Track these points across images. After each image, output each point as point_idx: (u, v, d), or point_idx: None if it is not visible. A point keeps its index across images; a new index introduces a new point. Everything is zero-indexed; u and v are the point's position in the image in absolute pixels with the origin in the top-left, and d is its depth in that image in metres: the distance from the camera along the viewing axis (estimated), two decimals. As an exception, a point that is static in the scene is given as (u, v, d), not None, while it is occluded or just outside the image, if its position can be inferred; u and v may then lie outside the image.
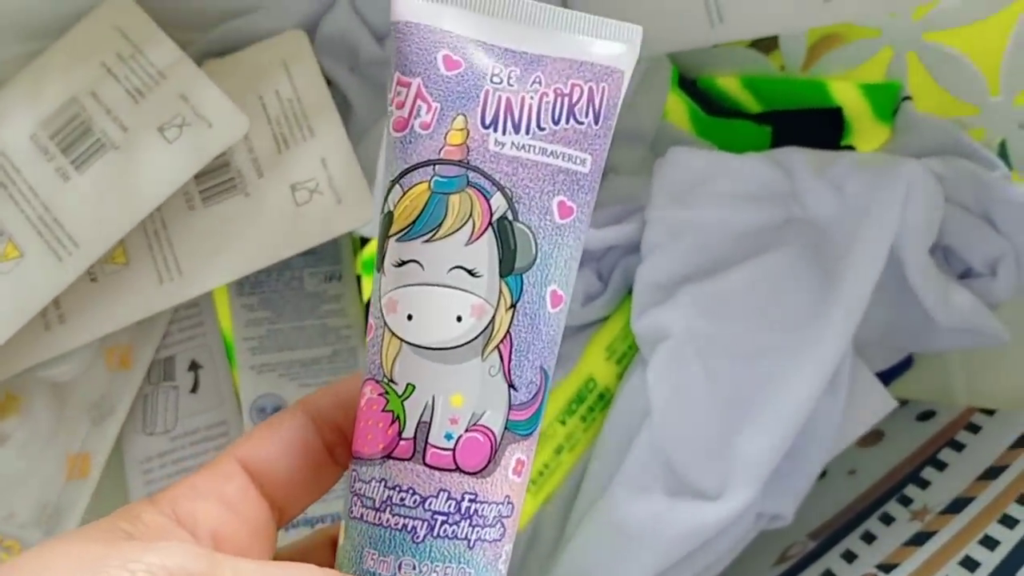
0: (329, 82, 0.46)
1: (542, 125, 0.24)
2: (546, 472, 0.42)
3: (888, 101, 0.46)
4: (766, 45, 0.49)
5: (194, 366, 0.43)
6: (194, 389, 0.43)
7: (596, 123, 0.24)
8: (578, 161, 0.24)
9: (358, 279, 0.44)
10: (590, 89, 0.24)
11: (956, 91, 0.43)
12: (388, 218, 0.24)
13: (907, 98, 0.45)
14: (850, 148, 0.47)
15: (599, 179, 0.25)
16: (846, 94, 0.46)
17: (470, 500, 0.23)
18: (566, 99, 0.24)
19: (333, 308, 0.43)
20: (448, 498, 0.23)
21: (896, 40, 0.45)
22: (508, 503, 0.24)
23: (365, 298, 0.42)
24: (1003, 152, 0.43)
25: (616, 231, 0.42)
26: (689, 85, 0.49)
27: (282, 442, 0.24)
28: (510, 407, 0.23)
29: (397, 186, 0.24)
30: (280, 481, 0.24)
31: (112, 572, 0.19)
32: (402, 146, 0.24)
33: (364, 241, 0.42)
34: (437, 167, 0.24)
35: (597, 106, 0.24)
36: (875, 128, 0.46)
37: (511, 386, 0.23)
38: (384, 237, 0.24)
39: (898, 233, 0.39)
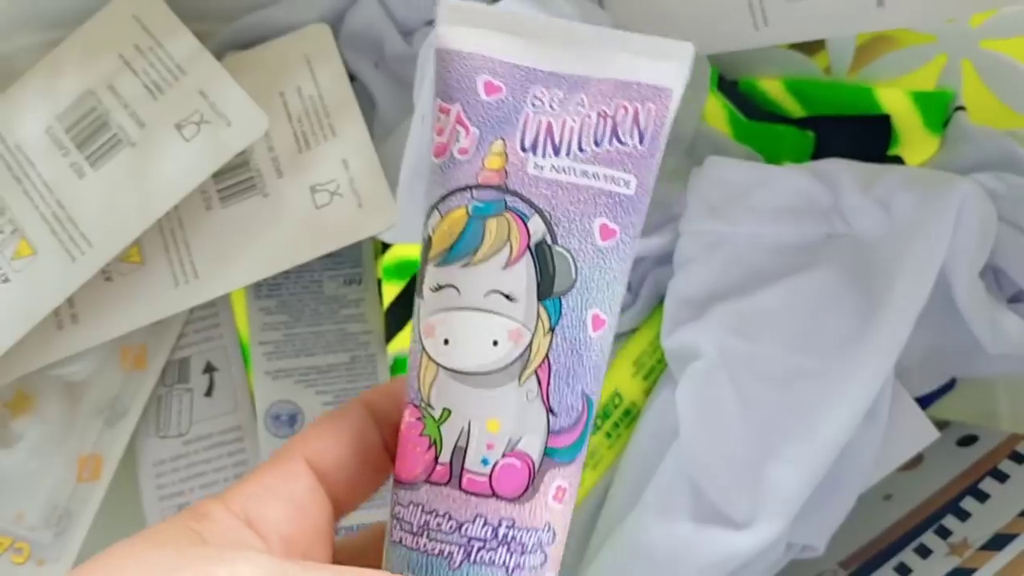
0: (353, 78, 0.44)
1: (583, 147, 0.24)
2: (568, 490, 0.40)
3: (940, 110, 0.44)
4: (811, 46, 0.46)
5: (209, 368, 0.42)
6: (209, 392, 0.42)
7: (641, 143, 0.24)
8: (621, 183, 0.24)
9: (379, 283, 0.43)
10: (635, 109, 0.24)
11: (1013, 103, 0.41)
12: (427, 243, 0.24)
13: (960, 108, 0.43)
14: (897, 159, 0.45)
15: (647, 200, 0.24)
16: (895, 102, 0.44)
17: (507, 527, 0.23)
18: (610, 120, 0.24)
19: (353, 313, 0.42)
20: (485, 524, 0.23)
21: (951, 47, 0.42)
22: (549, 530, 0.23)
23: (386, 303, 0.41)
24: (1061, 169, 0.41)
25: (647, 243, 0.40)
26: (729, 87, 0.47)
27: (346, 440, 0.24)
28: (549, 433, 0.23)
29: (436, 211, 0.24)
30: (343, 479, 0.24)
31: None
32: (441, 172, 0.24)
33: (386, 246, 0.41)
34: (475, 191, 0.24)
35: (643, 126, 0.24)
36: (925, 139, 0.44)
37: (550, 411, 0.23)
38: (424, 262, 0.24)
39: (948, 255, 0.36)
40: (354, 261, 0.43)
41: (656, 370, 0.42)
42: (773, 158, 0.46)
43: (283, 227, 0.40)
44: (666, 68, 0.24)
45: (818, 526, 0.38)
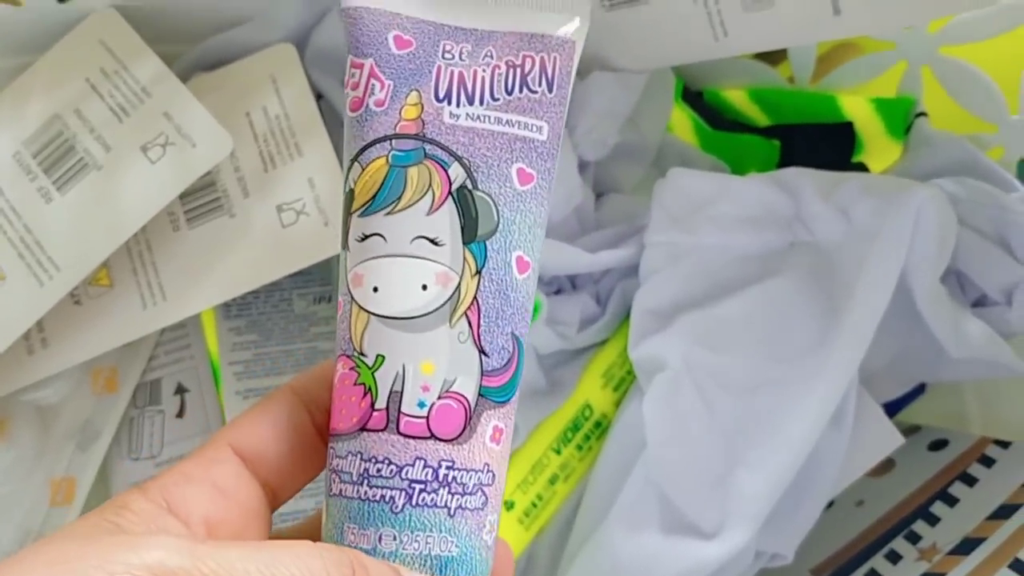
0: (320, 96, 0.44)
1: (496, 96, 0.24)
2: (540, 503, 0.41)
3: (901, 117, 0.44)
4: (774, 56, 0.47)
5: (180, 390, 0.42)
6: (180, 414, 0.42)
7: (550, 91, 0.25)
8: (534, 128, 0.24)
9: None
10: (542, 59, 0.25)
11: (973, 108, 0.41)
12: (349, 196, 0.24)
13: (921, 114, 0.43)
14: (861, 165, 0.45)
15: (558, 146, 0.25)
16: (857, 109, 0.44)
17: (447, 467, 0.23)
18: (518, 70, 0.25)
19: (323, 331, 0.42)
20: (425, 466, 0.23)
21: (911, 53, 0.43)
22: (488, 471, 0.23)
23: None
24: (1021, 172, 0.41)
25: (613, 255, 0.40)
26: (694, 98, 0.47)
27: (272, 424, 0.24)
28: (483, 373, 0.23)
29: (356, 163, 0.24)
30: (271, 463, 0.24)
31: (90, 574, 0.18)
32: (359, 125, 0.24)
33: (353, 263, 0.41)
34: (394, 142, 0.24)
35: (550, 75, 0.25)
36: (887, 145, 0.44)
37: (482, 352, 0.23)
38: (347, 215, 0.24)
39: (908, 261, 0.37)
40: (323, 279, 0.43)
41: (626, 381, 0.42)
42: (739, 167, 0.46)
43: (250, 247, 0.40)
44: (567, 20, 0.25)
45: (786, 534, 0.38)
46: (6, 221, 0.39)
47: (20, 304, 0.38)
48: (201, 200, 0.41)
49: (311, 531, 0.25)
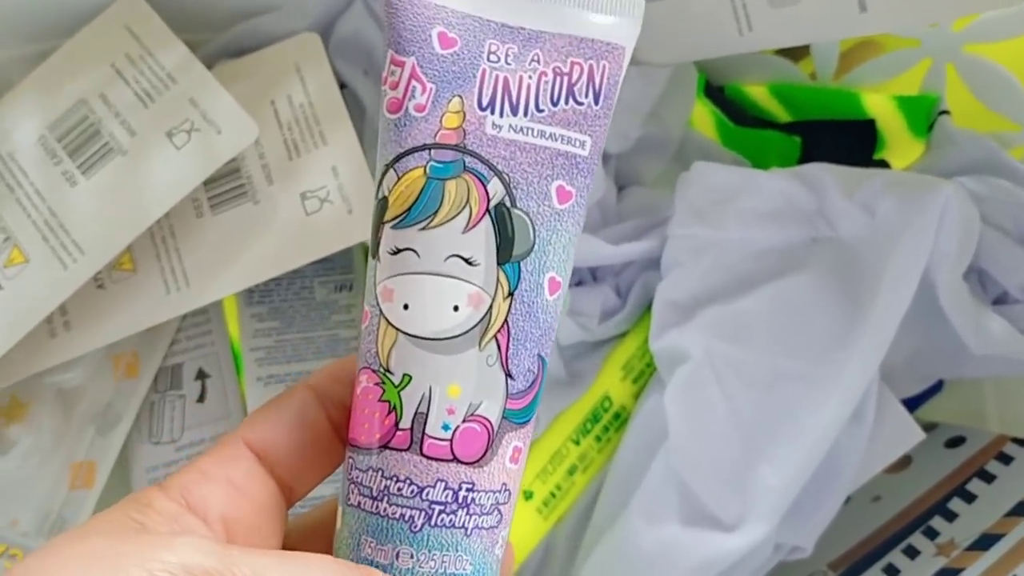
0: (343, 85, 0.45)
1: (540, 107, 0.23)
2: (559, 493, 0.41)
3: (924, 115, 0.44)
4: (796, 52, 0.47)
5: (201, 375, 0.42)
6: (201, 399, 0.42)
7: (596, 103, 0.24)
8: (577, 144, 0.23)
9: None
10: (590, 68, 0.23)
11: (997, 107, 0.41)
12: (383, 204, 0.23)
13: (944, 112, 0.43)
14: (883, 163, 0.45)
15: (598, 161, 0.24)
16: (880, 106, 0.44)
17: (467, 489, 0.23)
18: (565, 79, 0.23)
19: (344, 319, 0.42)
20: (445, 488, 0.23)
21: (935, 51, 0.43)
22: (505, 490, 0.23)
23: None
24: (1045, 172, 0.41)
25: (635, 247, 0.40)
26: (716, 93, 0.47)
27: (287, 421, 0.24)
28: (507, 396, 0.23)
29: (391, 171, 0.23)
30: (287, 461, 0.24)
31: (132, 572, 0.19)
32: (396, 129, 0.23)
33: (375, 251, 0.41)
34: (433, 152, 0.23)
35: (597, 85, 0.24)
36: (910, 143, 0.44)
37: (508, 375, 0.23)
38: (379, 223, 0.23)
39: (931, 258, 0.37)
40: (345, 267, 0.43)
41: (645, 374, 0.42)
42: (760, 163, 0.46)
43: (274, 234, 0.40)
44: (618, 24, 0.24)
45: (806, 527, 0.38)
46: (31, 204, 0.39)
47: (43, 287, 0.38)
48: (225, 187, 0.41)
49: (325, 520, 0.26)
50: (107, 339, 0.39)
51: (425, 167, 0.23)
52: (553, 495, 0.40)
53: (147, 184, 0.39)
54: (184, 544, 0.19)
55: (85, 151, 0.39)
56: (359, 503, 0.23)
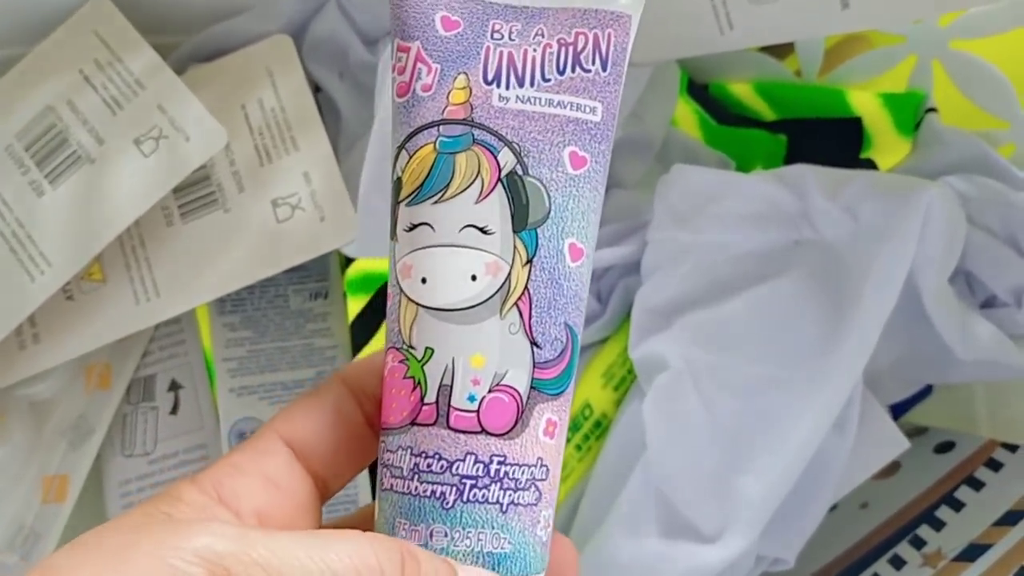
0: (318, 89, 0.44)
1: (547, 76, 0.24)
2: (537, 503, 0.40)
3: (910, 112, 0.43)
4: (781, 49, 0.46)
5: (174, 386, 0.41)
6: (174, 410, 0.41)
7: (604, 70, 0.24)
8: (587, 110, 0.24)
9: (345, 297, 0.42)
10: (595, 36, 0.24)
11: (984, 103, 0.40)
12: (397, 184, 0.24)
13: (931, 110, 0.42)
14: (870, 162, 0.44)
15: (613, 127, 0.24)
16: (866, 104, 0.43)
17: (499, 463, 0.23)
18: (571, 48, 0.24)
19: (319, 327, 0.42)
20: (476, 461, 0.23)
21: (921, 48, 0.42)
22: (542, 465, 0.23)
23: (351, 317, 0.40)
24: (1034, 170, 0.40)
25: (615, 252, 0.40)
26: (699, 92, 0.46)
27: (322, 415, 0.24)
28: (535, 365, 0.23)
29: (403, 151, 0.24)
30: (322, 455, 0.24)
31: (140, 561, 0.18)
32: (405, 111, 0.24)
33: (349, 260, 0.40)
34: (441, 127, 0.23)
35: (604, 52, 0.24)
36: (896, 141, 0.43)
37: (534, 343, 0.23)
38: (395, 204, 0.24)
39: (915, 261, 0.36)
40: (320, 275, 0.43)
41: (627, 381, 0.42)
42: (745, 162, 0.45)
43: (245, 242, 0.39)
44: None
45: (788, 539, 0.37)
46: (-2, 215, 0.39)
47: (11, 299, 0.37)
48: (195, 194, 0.40)
49: (362, 524, 0.25)
50: (77, 351, 0.39)
51: (435, 143, 0.23)
52: (532, 505, 0.40)
53: (115, 193, 0.38)
54: (200, 530, 0.19)
55: (52, 160, 0.39)
56: (391, 485, 0.23)
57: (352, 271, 0.40)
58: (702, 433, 0.36)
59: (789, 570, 0.40)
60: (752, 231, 0.38)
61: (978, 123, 0.41)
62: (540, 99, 0.23)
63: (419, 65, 0.24)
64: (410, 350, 0.23)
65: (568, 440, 0.41)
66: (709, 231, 0.38)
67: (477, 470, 0.22)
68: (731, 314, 0.37)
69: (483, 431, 0.22)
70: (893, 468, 0.44)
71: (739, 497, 0.36)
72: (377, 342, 0.40)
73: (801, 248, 0.39)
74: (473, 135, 0.23)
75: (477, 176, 0.23)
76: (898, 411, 0.42)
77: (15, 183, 0.39)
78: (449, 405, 0.23)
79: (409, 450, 0.23)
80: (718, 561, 0.36)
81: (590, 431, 0.41)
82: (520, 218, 0.23)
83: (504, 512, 0.22)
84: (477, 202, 0.23)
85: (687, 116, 0.46)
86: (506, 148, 0.23)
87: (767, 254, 0.38)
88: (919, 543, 0.39)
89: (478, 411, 0.23)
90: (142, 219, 0.39)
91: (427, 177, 0.23)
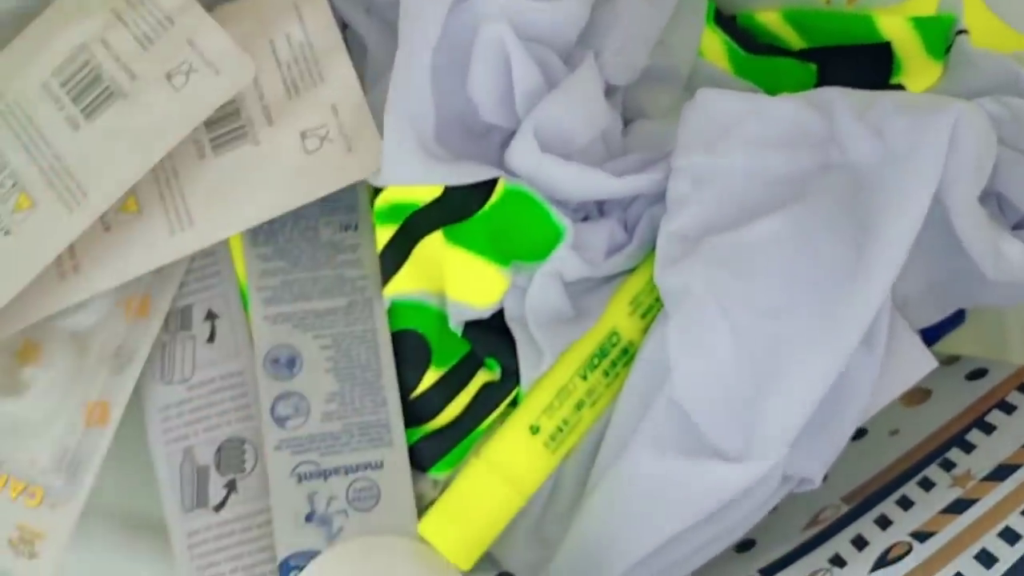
0: (345, 25, 0.44)
1: None
2: (566, 428, 0.40)
3: (941, 36, 0.42)
4: (810, -24, 0.45)
5: (211, 316, 0.42)
6: (211, 339, 0.42)
7: None
8: None
9: (374, 228, 0.43)
10: None
11: (1017, 24, 0.40)
12: None
13: (962, 32, 0.42)
14: (900, 87, 0.43)
15: None
16: (895, 28, 0.43)
17: None
18: None
19: (349, 258, 0.42)
20: None
21: (952, -33, 0.41)
22: None
23: (379, 247, 0.41)
24: (1068, 90, 0.40)
25: (640, 179, 0.40)
26: (727, 21, 0.46)
27: None
28: None
29: None
30: None
31: None
32: None
33: (378, 190, 0.41)
34: None
35: None
36: (927, 65, 0.43)
37: None
38: None
39: (944, 180, 0.35)
40: (349, 207, 0.43)
41: (654, 309, 0.42)
42: (774, 92, 0.44)
43: (274, 174, 0.40)
44: None
45: (815, 458, 0.37)
46: (36, 149, 0.40)
47: (50, 230, 0.39)
48: (226, 128, 0.41)
49: None
50: (115, 280, 0.40)
51: None
52: (560, 430, 0.40)
53: (148, 126, 0.39)
54: None
55: (87, 96, 0.40)
56: None
57: (380, 201, 0.40)
58: (726, 355, 0.37)
59: (818, 492, 0.40)
60: (779, 155, 0.38)
61: (1010, 44, 0.40)
62: None
63: None
64: None
65: (596, 366, 0.41)
66: (735, 155, 0.38)
67: None
68: (757, 238, 0.37)
69: None
70: (924, 395, 0.44)
71: (764, 418, 0.36)
72: (405, 272, 0.41)
73: (829, 172, 0.38)
74: None
75: None
76: (930, 338, 0.41)
77: (52, 118, 0.40)
78: None
79: None
80: (741, 480, 0.36)
81: (617, 358, 0.41)
82: None
83: None
84: None
85: (715, 46, 0.45)
86: None
87: (794, 178, 0.38)
88: (949, 465, 0.39)
89: None
90: (175, 152, 0.40)
91: None
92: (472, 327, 0.41)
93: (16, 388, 0.41)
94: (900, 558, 0.35)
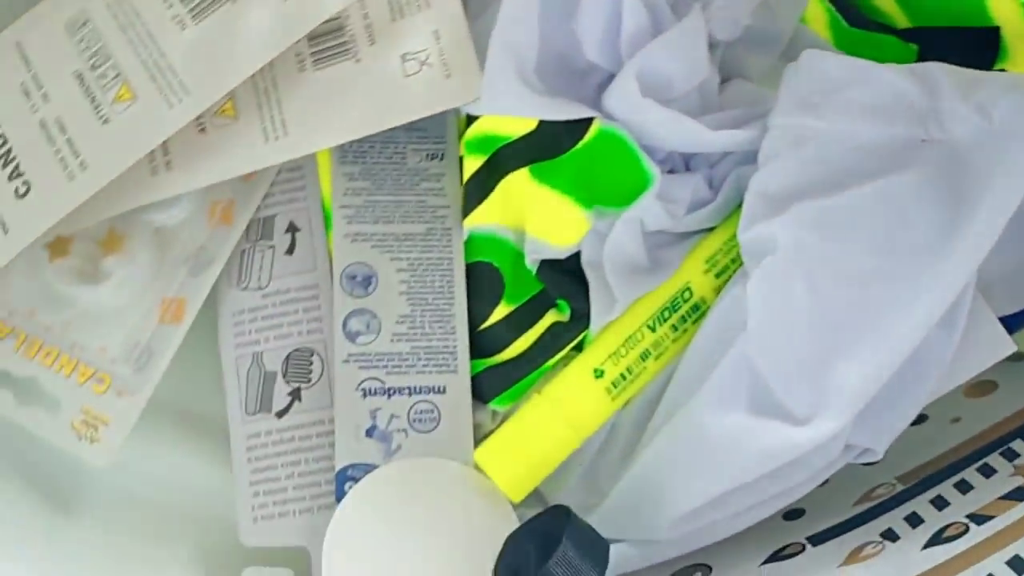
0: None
1: None
2: (629, 376, 0.41)
3: (1055, 24, 0.42)
4: (924, -47, 0.45)
5: (292, 228, 0.43)
6: (290, 251, 0.43)
7: None
8: None
9: (460, 161, 0.43)
10: None
11: None
12: None
13: (1077, 22, 0.41)
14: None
15: None
16: (1006, 12, 0.42)
17: None
18: None
19: (433, 187, 0.43)
20: None
21: (1074, -46, 0.40)
22: None
23: (465, 177, 0.41)
24: None
25: (736, 135, 0.39)
26: (833, -9, 0.45)
27: None
28: None
29: None
30: None
31: None
32: None
33: (470, 121, 0.41)
34: None
35: None
36: (1035, 53, 0.42)
37: None
38: None
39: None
40: (438, 137, 0.44)
41: (729, 269, 0.42)
42: (873, 67, 0.44)
43: (372, 93, 0.40)
44: None
45: (880, 430, 0.37)
46: (141, 44, 0.40)
47: (149, 123, 0.39)
48: (328, 43, 0.41)
49: None
50: (205, 181, 0.40)
51: None
52: (623, 377, 0.40)
53: (253, 34, 0.40)
54: None
55: (196, -3, 0.40)
56: None
57: (472, 132, 0.41)
58: (804, 316, 0.36)
59: (873, 469, 0.40)
60: (878, 123, 0.38)
61: None
62: None
63: None
64: None
65: (665, 319, 0.41)
66: (834, 119, 0.38)
67: None
68: (847, 204, 0.37)
69: None
70: (991, 387, 0.43)
71: (835, 382, 0.36)
72: (488, 205, 0.41)
73: (926, 147, 0.38)
74: None
75: None
76: (1006, 326, 0.41)
77: (160, 16, 0.40)
78: None
79: None
80: (805, 441, 0.36)
81: (687, 313, 0.41)
82: None
83: None
84: None
85: (818, 15, 0.45)
86: None
87: (891, 148, 0.38)
88: (1011, 455, 0.38)
89: None
90: (275, 62, 0.40)
91: None
92: (546, 267, 0.41)
93: (96, 276, 0.42)
94: (956, 537, 0.35)
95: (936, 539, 0.35)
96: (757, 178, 0.39)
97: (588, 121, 0.39)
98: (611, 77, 0.40)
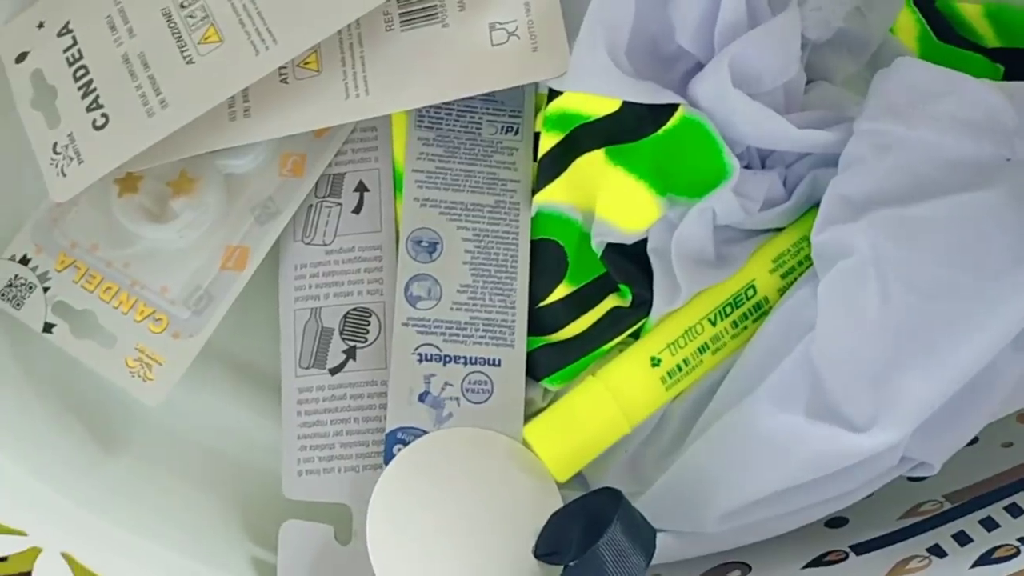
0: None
1: None
2: (685, 368, 0.40)
3: None
4: (1022, -27, 0.44)
5: (361, 187, 0.43)
6: (357, 210, 0.43)
7: None
8: None
9: (536, 137, 0.43)
10: None
11: None
12: None
13: None
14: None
15: None
16: (1103, 41, 0.42)
17: None
18: None
19: (505, 160, 0.43)
20: None
21: None
22: None
23: (540, 153, 0.41)
24: None
25: (820, 136, 0.39)
26: (926, 3, 0.45)
27: None
28: None
29: None
30: None
31: None
32: None
33: (551, 96, 0.41)
34: None
35: None
36: None
37: None
38: None
39: None
40: (515, 111, 0.43)
41: (795, 271, 0.42)
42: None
43: (457, 59, 0.40)
44: None
45: (939, 445, 0.37)
46: (232, -11, 0.40)
47: (233, 68, 0.39)
48: (418, 5, 0.41)
49: None
50: (281, 131, 0.40)
51: None
52: (679, 368, 0.40)
53: (344, -12, 0.40)
54: None
55: (291, -53, 0.40)
56: None
57: (553, 108, 0.40)
58: (874, 323, 0.36)
59: (921, 485, 0.40)
60: (965, 138, 0.37)
61: None
62: None
63: None
64: None
65: (726, 315, 0.41)
66: (922, 129, 0.37)
67: None
68: (927, 215, 0.37)
69: None
70: (1046, 415, 0.43)
71: (898, 392, 0.36)
72: (560, 183, 0.41)
73: (1010, 167, 0.38)
74: None
75: None
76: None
77: (253, -37, 0.40)
78: None
79: None
80: (860, 450, 0.36)
81: (749, 311, 0.41)
82: None
83: None
84: None
85: (908, 26, 0.44)
86: None
87: (975, 164, 0.37)
88: (1066, 484, 0.38)
89: None
90: (363, 19, 0.40)
91: None
92: (612, 250, 0.41)
93: (163, 216, 0.42)
94: (1007, 558, 0.34)
95: (986, 559, 0.35)
96: (837, 181, 0.39)
97: (673, 107, 0.39)
98: (699, 66, 0.40)
